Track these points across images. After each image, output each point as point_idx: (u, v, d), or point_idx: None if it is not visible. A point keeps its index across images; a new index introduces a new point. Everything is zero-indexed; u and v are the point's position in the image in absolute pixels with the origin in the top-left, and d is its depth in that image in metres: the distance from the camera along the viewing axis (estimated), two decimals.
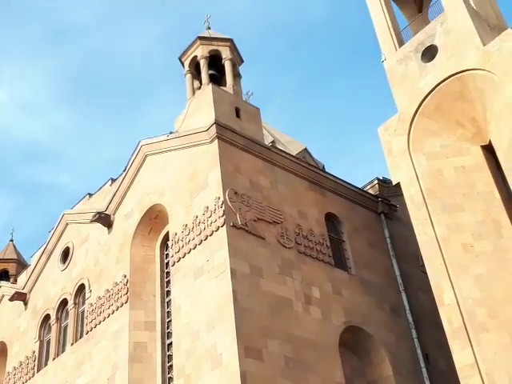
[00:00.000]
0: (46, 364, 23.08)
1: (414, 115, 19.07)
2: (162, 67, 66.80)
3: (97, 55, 69.26)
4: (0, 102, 67.13)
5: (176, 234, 19.29)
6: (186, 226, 18.93)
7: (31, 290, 25.51)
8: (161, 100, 66.21)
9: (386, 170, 19.96)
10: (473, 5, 20.77)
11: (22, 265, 30.79)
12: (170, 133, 21.39)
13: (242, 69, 24.80)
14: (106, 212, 22.45)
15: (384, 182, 23.77)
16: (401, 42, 21.06)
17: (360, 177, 71.03)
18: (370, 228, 22.21)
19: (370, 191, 23.54)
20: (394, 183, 19.77)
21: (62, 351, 22.52)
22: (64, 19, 67.63)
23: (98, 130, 68.84)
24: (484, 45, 18.12)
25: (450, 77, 18.60)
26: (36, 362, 23.42)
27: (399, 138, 19.27)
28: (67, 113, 69.97)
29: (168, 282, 20.09)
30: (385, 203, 23.02)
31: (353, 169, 61.08)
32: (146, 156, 21.94)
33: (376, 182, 23.75)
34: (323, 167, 27.99)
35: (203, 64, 23.45)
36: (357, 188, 22.99)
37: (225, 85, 23.16)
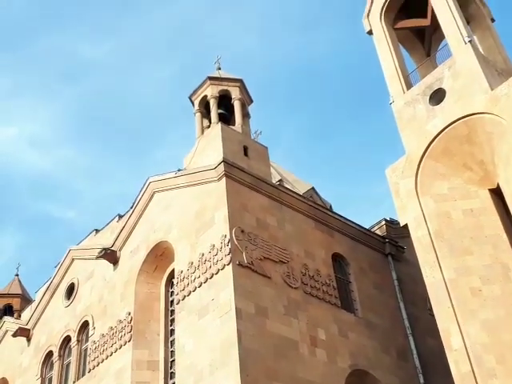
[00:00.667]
0: None
1: (422, 157, 19.11)
2: (172, 106, 67.92)
3: (109, 94, 70.56)
4: (10, 138, 68.22)
5: (181, 271, 19.20)
6: (192, 263, 18.86)
7: (35, 326, 25.33)
8: (170, 138, 67.03)
9: (394, 211, 19.94)
10: (481, 49, 21.07)
11: (26, 300, 30.68)
12: (179, 170, 21.53)
13: (251, 108, 25.15)
14: (112, 248, 22.43)
15: (391, 223, 23.69)
16: (409, 85, 21.28)
17: (367, 218, 70.80)
18: (377, 269, 22.02)
19: (378, 232, 23.45)
20: (401, 225, 19.67)
21: None
22: (78, 59, 69.28)
23: (107, 167, 69.60)
24: (492, 89, 18.26)
25: (457, 120, 18.70)
26: None
27: (407, 180, 19.26)
28: (77, 150, 70.92)
29: (172, 321, 19.90)
30: (392, 244, 22.88)
31: (360, 209, 61.12)
32: (153, 193, 22.03)
33: (383, 222, 23.69)
34: (330, 207, 27.99)
35: (213, 103, 23.78)
36: (364, 228, 22.90)
37: (234, 124, 23.42)
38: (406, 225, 19.00)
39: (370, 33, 23.16)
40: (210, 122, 23.72)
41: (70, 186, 69.86)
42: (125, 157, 70.31)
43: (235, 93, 24.22)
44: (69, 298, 23.97)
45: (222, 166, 19.48)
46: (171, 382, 18.88)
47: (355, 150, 68.45)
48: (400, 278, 22.04)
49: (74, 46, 70.16)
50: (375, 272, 21.87)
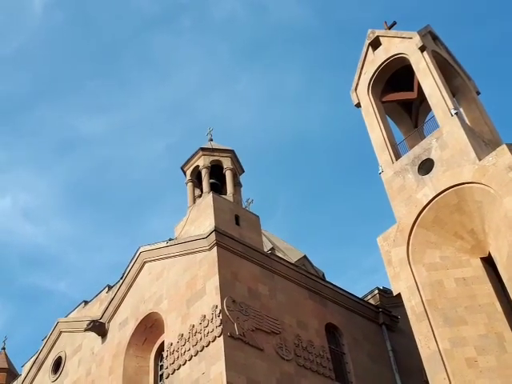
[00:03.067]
0: None
1: (413, 226, 19.19)
2: (164, 177, 68.56)
3: (102, 167, 71.30)
4: (4, 209, 68.16)
5: (171, 344, 18.78)
6: (182, 335, 18.48)
7: None
8: (162, 208, 67.29)
9: (387, 279, 19.80)
10: (467, 121, 21.62)
11: (12, 374, 29.73)
12: (170, 239, 21.46)
13: (242, 178, 25.43)
14: (101, 320, 22.00)
15: (385, 292, 23.48)
16: (397, 155, 21.66)
17: (361, 286, 70.34)
18: (371, 340, 21.65)
19: (371, 301, 23.21)
20: (394, 294, 19.49)
21: None
22: (72, 132, 70.47)
23: (99, 237, 69.31)
24: (479, 159, 18.60)
25: (447, 189, 18.92)
26: None
27: (398, 249, 19.26)
28: (69, 220, 70.79)
29: None
30: (386, 314, 22.61)
31: (353, 278, 60.61)
32: (144, 263, 21.86)
33: (376, 291, 23.48)
34: (323, 275, 27.78)
35: (204, 173, 24.04)
36: (357, 298, 22.67)
37: (225, 193, 23.60)
38: (399, 294, 18.84)
39: (358, 105, 23.78)
40: (202, 192, 23.91)
41: (61, 257, 69.33)
42: (117, 226, 70.27)
43: (227, 163, 24.56)
44: (56, 373, 23.27)
45: (213, 235, 19.47)
46: None
47: (347, 217, 68.79)
48: (395, 349, 21.63)
49: (69, 119, 71.59)
50: (370, 342, 21.48)
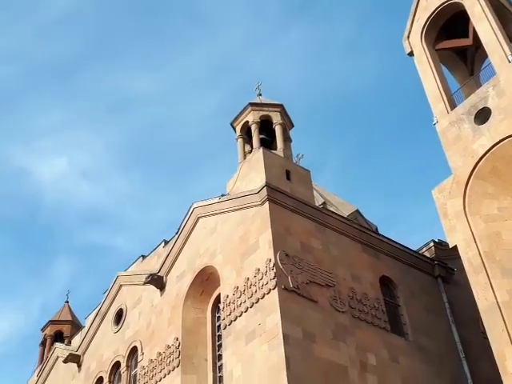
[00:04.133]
0: None
1: (469, 177, 18.78)
2: (215, 135, 68.97)
3: (155, 125, 72.22)
4: (62, 169, 70.33)
5: (227, 296, 19.24)
6: (238, 288, 18.89)
7: (85, 352, 25.70)
8: (214, 166, 67.95)
9: (442, 232, 19.56)
10: None
11: (76, 326, 31.20)
12: (222, 195, 21.73)
13: (292, 133, 25.28)
14: (159, 274, 22.69)
15: (440, 245, 23.23)
16: (452, 105, 21.04)
17: (415, 240, 69.68)
18: (426, 292, 21.57)
19: (426, 254, 23.03)
20: (450, 246, 19.27)
21: None
22: (124, 91, 71.28)
23: (154, 195, 70.82)
24: None
25: (504, 139, 18.35)
26: None
27: (454, 201, 18.93)
28: (124, 179, 72.52)
29: (219, 346, 19.90)
30: (442, 266, 22.42)
31: (407, 232, 60.07)
32: (198, 218, 22.27)
33: (432, 244, 23.25)
34: (376, 229, 27.64)
35: (254, 129, 24.00)
36: (412, 251, 22.52)
37: (275, 148, 23.55)
38: (455, 246, 18.62)
39: (411, 54, 23.08)
40: (252, 148, 23.92)
41: (118, 214, 71.41)
42: (171, 185, 71.64)
43: (276, 118, 24.42)
44: (117, 324, 24.28)
45: (264, 191, 19.58)
46: None
47: (400, 171, 67.74)
48: (451, 301, 21.52)
49: (121, 79, 72.42)
50: (425, 295, 21.43)
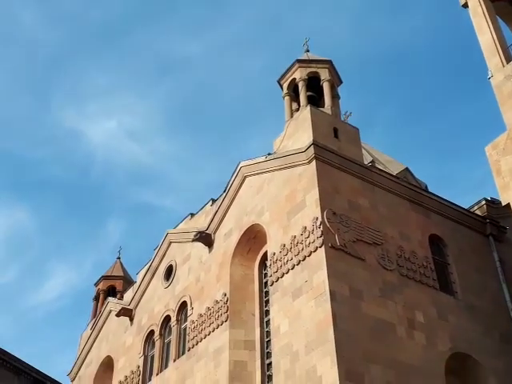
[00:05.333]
0: (149, 379, 23.80)
1: None
2: (262, 95, 68.43)
3: (201, 87, 72.20)
4: (110, 131, 71.56)
5: (274, 253, 19.40)
6: (284, 246, 19.00)
7: (136, 306, 26.55)
8: (261, 127, 67.81)
9: (494, 190, 19.06)
10: None
11: (128, 282, 32.08)
12: (269, 154, 21.68)
13: (340, 90, 24.78)
14: (207, 231, 23.04)
15: (492, 203, 22.65)
16: (508, 58, 20.25)
17: (465, 199, 68.23)
18: (477, 251, 21.20)
19: (478, 212, 22.52)
20: (503, 204, 18.80)
21: (165, 367, 23.15)
22: (170, 54, 71.29)
23: (200, 157, 71.36)
24: None
25: None
26: (140, 376, 24.21)
27: (508, 158, 18.38)
28: (171, 140, 73.25)
29: (267, 302, 20.19)
30: (493, 225, 21.91)
31: (458, 193, 58.75)
32: (244, 177, 22.36)
33: (483, 202, 22.69)
34: (426, 187, 27.14)
35: (301, 86, 23.63)
36: (463, 209, 22.07)
37: (323, 106, 23.21)
38: (508, 204, 18.15)
39: (466, 6, 22.23)
40: (299, 105, 23.62)
41: (166, 175, 72.40)
42: (218, 147, 71.96)
43: (324, 74, 23.95)
44: (168, 280, 24.92)
45: (312, 149, 19.42)
46: (267, 361, 19.22)
47: (451, 130, 65.87)
48: (502, 260, 21.09)
49: (166, 42, 72.34)
50: (475, 254, 21.07)
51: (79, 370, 29.21)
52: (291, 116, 23.36)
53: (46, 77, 71.22)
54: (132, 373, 24.76)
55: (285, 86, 24.50)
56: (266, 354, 19.47)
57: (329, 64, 24.19)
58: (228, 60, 71.84)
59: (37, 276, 70.84)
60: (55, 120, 70.75)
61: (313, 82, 24.14)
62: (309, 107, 21.50)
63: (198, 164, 72.34)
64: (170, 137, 73.19)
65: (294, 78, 24.11)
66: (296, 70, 24.11)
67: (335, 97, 24.20)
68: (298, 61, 24.23)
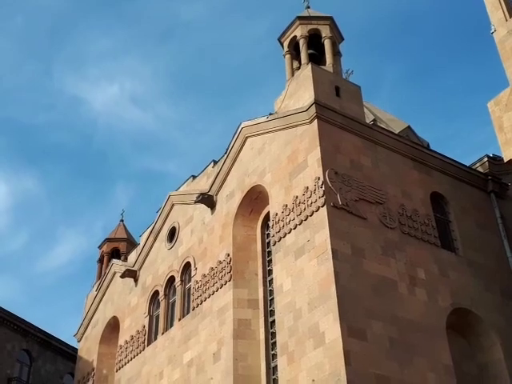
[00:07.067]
0: (155, 338, 24.22)
1: None
2: (264, 58, 67.48)
3: (203, 51, 71.25)
4: (113, 96, 71.00)
5: (276, 214, 19.45)
6: (286, 206, 19.04)
7: (141, 268, 26.82)
8: (263, 91, 67.11)
9: (496, 147, 18.96)
10: None
11: (131, 244, 32.32)
12: (270, 114, 21.50)
13: (342, 48, 24.40)
14: (209, 193, 23.06)
15: (494, 160, 22.55)
16: None
17: (467, 156, 68.00)
18: (479, 208, 21.23)
19: (479, 169, 22.45)
20: (505, 160, 18.74)
21: (170, 326, 23.52)
22: (173, 17, 70.14)
23: (203, 121, 71.10)
24: None
25: None
26: (146, 336, 24.64)
27: (511, 113, 18.18)
28: (174, 105, 72.81)
29: (269, 261, 20.38)
30: (495, 181, 21.87)
31: (459, 148, 58.48)
32: (246, 138, 22.24)
33: (485, 159, 22.57)
34: (428, 145, 27.02)
35: (302, 44, 23.26)
36: (464, 166, 21.99)
37: (324, 64, 22.88)
38: (511, 160, 18.07)
39: None
40: (300, 64, 23.30)
41: (168, 140, 72.37)
42: (220, 111, 71.51)
43: (325, 31, 23.54)
44: (171, 241, 25.08)
45: (313, 108, 19.24)
46: (271, 319, 19.52)
47: (454, 91, 65.20)
48: (504, 216, 21.14)
49: (169, 5, 71.04)
50: (477, 210, 21.11)
51: (85, 330, 29.72)
52: (292, 75, 23.07)
53: (49, 43, 70.35)
54: (138, 332, 25.18)
55: (285, 44, 24.13)
56: (269, 312, 19.75)
57: (330, 20, 23.76)
58: (232, 22, 70.73)
59: (46, 242, 71.48)
60: (56, 86, 70.14)
61: (314, 40, 23.76)
62: (310, 65, 21.20)
63: (200, 128, 72.17)
64: (172, 101, 72.88)
65: (295, 36, 23.71)
66: (297, 27, 23.69)
67: (337, 54, 23.86)
68: (299, 18, 23.79)
